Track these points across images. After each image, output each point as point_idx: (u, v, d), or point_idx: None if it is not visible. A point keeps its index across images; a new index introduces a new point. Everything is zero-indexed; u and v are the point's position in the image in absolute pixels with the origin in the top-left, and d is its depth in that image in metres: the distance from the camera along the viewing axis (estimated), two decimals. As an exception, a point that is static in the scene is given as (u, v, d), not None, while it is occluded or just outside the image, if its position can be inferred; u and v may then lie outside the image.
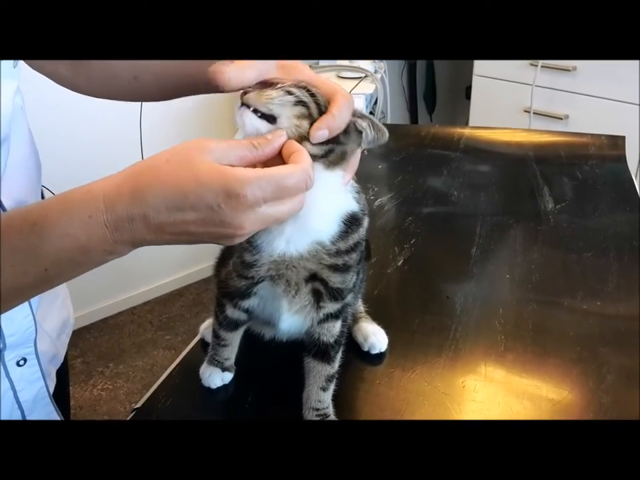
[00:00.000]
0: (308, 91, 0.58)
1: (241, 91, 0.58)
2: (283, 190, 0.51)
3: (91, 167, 2.24)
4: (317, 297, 0.67)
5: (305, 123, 0.57)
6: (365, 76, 2.00)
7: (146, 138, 2.17)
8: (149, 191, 0.49)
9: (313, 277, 0.65)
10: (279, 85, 0.58)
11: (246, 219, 0.50)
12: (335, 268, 0.64)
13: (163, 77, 0.74)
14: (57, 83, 0.77)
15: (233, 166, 0.50)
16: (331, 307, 0.68)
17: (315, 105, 0.58)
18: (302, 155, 0.54)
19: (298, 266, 0.63)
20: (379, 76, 2.05)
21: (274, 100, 0.56)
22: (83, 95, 0.80)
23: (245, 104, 0.57)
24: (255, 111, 0.56)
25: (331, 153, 0.59)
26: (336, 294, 0.67)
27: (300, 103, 0.57)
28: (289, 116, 0.56)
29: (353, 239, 0.64)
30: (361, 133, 0.61)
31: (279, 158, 0.55)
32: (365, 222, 0.66)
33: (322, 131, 0.57)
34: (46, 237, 0.48)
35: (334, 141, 0.59)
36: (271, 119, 0.56)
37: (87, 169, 2.24)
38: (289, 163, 0.54)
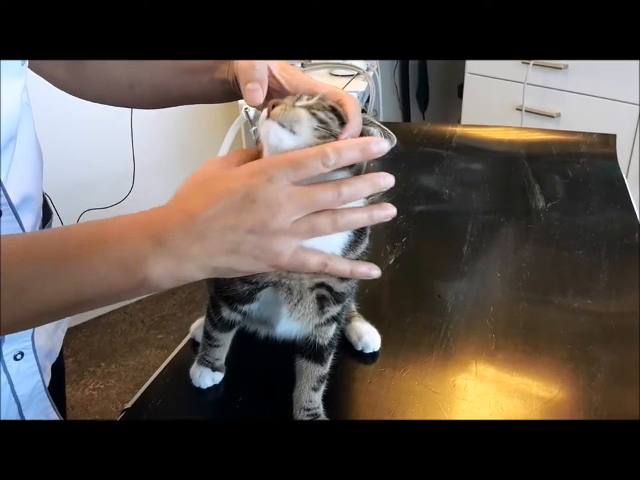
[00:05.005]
0: (334, 111, 0.59)
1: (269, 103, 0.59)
2: None
3: (81, 167, 2.24)
4: (321, 303, 0.67)
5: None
6: (357, 74, 2.00)
7: (137, 138, 2.17)
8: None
9: (318, 285, 0.65)
10: (305, 101, 0.59)
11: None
12: (341, 278, 0.65)
13: (158, 87, 0.74)
14: (54, 85, 0.78)
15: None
16: (334, 310, 0.68)
17: (335, 129, 0.58)
18: None
19: (304, 276, 0.63)
20: (371, 74, 2.05)
21: (302, 122, 0.57)
22: (71, 99, 0.81)
23: (271, 118, 0.57)
24: (280, 124, 0.57)
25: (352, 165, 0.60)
26: (339, 297, 0.67)
27: (322, 126, 0.57)
28: (310, 135, 0.57)
29: (360, 248, 0.65)
30: None
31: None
32: (368, 230, 0.67)
33: None
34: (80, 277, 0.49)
35: None
36: (292, 132, 0.57)
37: (76, 169, 2.23)
38: None
